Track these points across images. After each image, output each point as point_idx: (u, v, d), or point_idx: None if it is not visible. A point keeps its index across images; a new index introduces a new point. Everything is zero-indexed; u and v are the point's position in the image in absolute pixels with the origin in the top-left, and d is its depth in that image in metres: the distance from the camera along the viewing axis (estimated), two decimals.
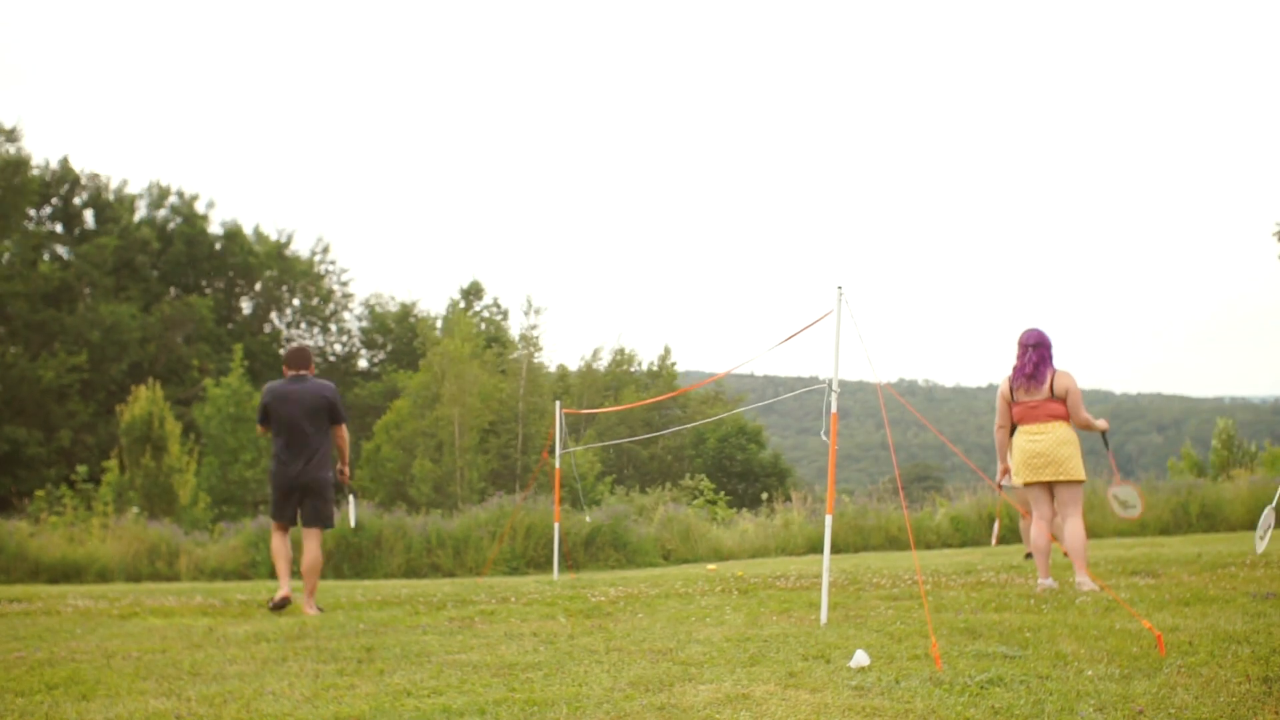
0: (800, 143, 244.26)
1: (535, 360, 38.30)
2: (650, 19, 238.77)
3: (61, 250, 40.15)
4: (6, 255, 37.15)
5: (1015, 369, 7.01)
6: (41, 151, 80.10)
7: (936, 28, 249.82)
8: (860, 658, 4.20)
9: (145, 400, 24.08)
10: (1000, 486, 7.94)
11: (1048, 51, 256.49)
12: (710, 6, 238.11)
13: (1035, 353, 6.91)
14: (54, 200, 40.69)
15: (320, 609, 7.23)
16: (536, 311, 39.56)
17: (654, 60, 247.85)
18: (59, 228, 41.10)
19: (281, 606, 7.08)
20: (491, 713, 3.56)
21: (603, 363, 43.37)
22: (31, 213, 39.57)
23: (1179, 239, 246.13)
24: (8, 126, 36.83)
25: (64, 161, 40.56)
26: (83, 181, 41.06)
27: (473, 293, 48.22)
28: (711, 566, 12.25)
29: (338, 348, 47.99)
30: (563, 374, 41.51)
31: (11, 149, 36.65)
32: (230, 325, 44.41)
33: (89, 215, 41.53)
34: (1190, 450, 25.61)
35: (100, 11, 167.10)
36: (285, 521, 7.37)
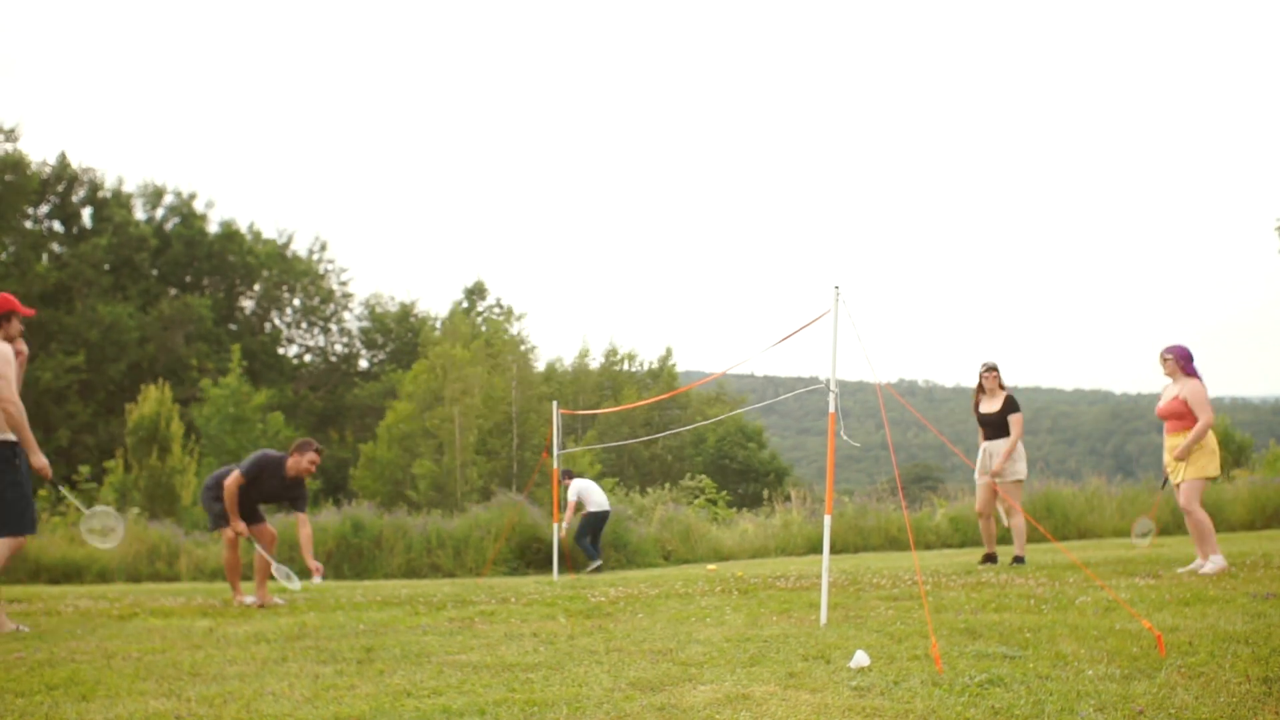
0: (800, 143, 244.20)
1: (528, 361, 38.35)
2: (650, 19, 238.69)
3: (58, 249, 40.10)
4: (4, 254, 37.12)
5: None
6: (39, 150, 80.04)
7: (936, 27, 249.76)
8: (860, 658, 4.20)
9: (154, 400, 24.08)
10: None
11: (1049, 51, 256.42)
12: (710, 7, 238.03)
13: None
14: (51, 198, 40.61)
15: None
16: (519, 318, 39.72)
17: (655, 61, 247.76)
18: (57, 225, 41.03)
19: None
20: (491, 713, 3.56)
21: (595, 361, 43.38)
22: (30, 211, 39.52)
23: (1179, 239, 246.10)
24: (7, 126, 36.81)
25: (61, 158, 40.47)
26: (80, 178, 40.96)
27: (476, 292, 48.23)
28: (711, 567, 12.25)
29: (338, 348, 47.98)
30: (558, 373, 41.49)
31: (10, 148, 36.62)
32: (231, 325, 44.38)
33: (86, 214, 41.46)
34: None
35: (99, 11, 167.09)
36: None
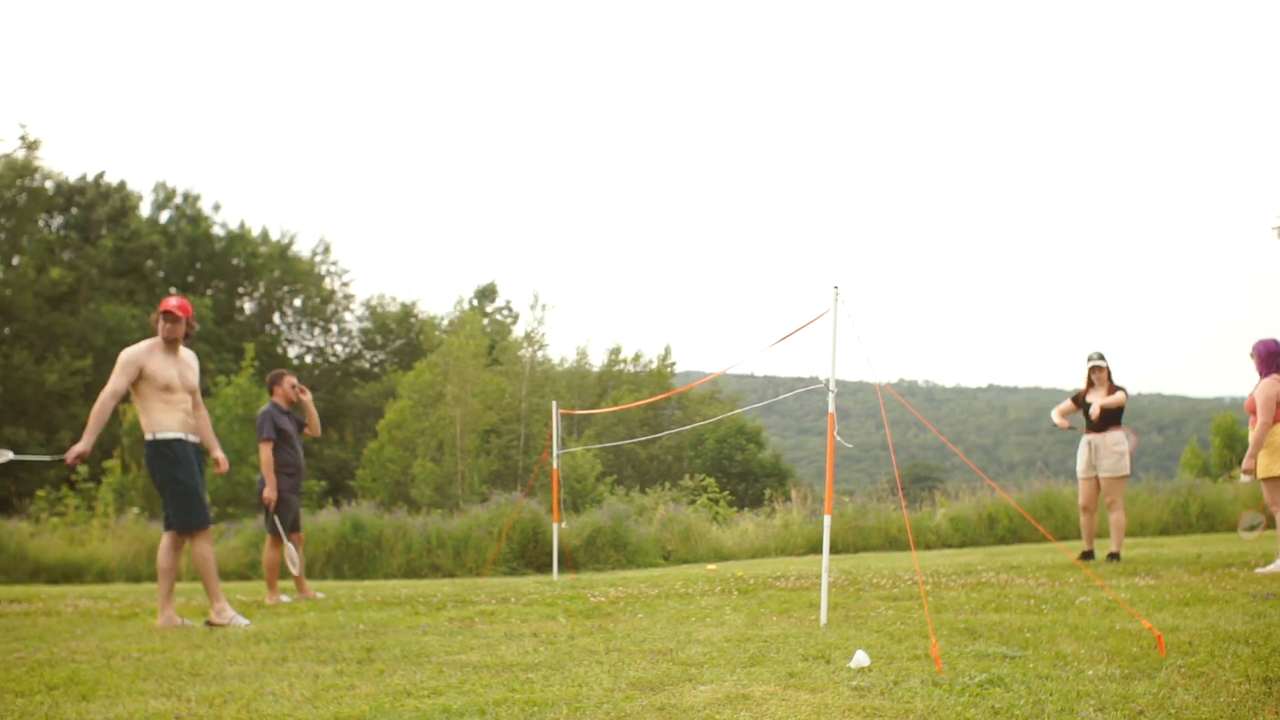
0: (800, 144, 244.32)
1: (539, 359, 38.21)
2: (651, 19, 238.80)
3: (68, 255, 40.22)
4: (16, 260, 37.25)
5: None
6: (45, 154, 79.99)
7: (934, 27, 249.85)
8: (860, 658, 4.20)
9: None
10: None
11: (1047, 50, 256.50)
12: (710, 7, 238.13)
13: None
14: (73, 209, 40.82)
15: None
16: (544, 307, 39.36)
17: (655, 62, 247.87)
18: (74, 234, 41.22)
19: None
20: (491, 713, 3.56)
21: (595, 361, 43.25)
22: (47, 219, 39.75)
23: (1178, 238, 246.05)
24: (31, 138, 37.01)
25: (99, 176, 40.88)
26: (109, 194, 41.28)
27: (486, 294, 48.15)
28: (711, 567, 12.25)
29: (339, 349, 47.98)
30: (560, 373, 41.43)
31: (21, 155, 36.75)
32: (231, 326, 44.40)
33: (104, 222, 41.73)
34: (1198, 449, 25.55)
35: (104, 12, 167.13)
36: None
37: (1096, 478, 8.99)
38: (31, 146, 36.55)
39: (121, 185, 41.34)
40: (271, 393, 8.76)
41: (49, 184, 37.50)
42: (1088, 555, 9.10)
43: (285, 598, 8.52)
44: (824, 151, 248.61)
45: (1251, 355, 7.79)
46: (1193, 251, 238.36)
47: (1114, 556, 8.80)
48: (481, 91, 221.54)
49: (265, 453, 8.31)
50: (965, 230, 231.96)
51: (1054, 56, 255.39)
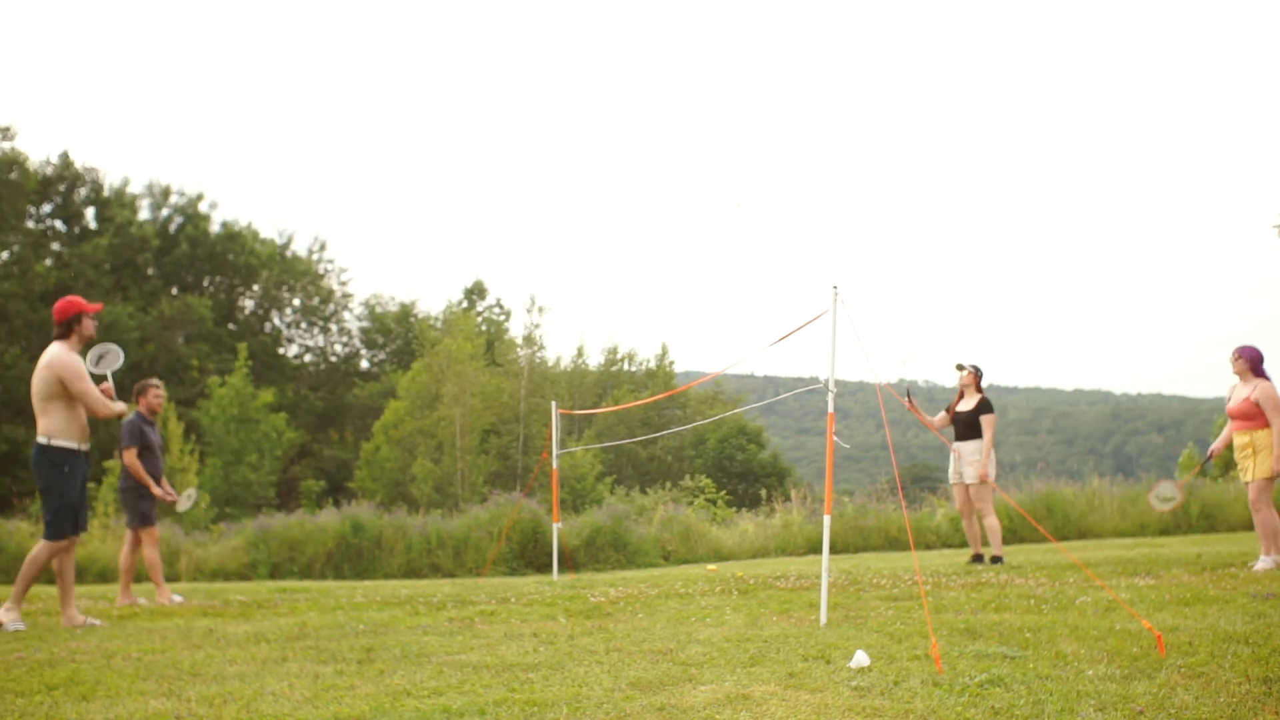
0: (799, 143, 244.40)
1: (537, 360, 38.18)
2: (650, 19, 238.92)
3: (60, 249, 40.10)
4: (5, 254, 37.14)
5: None
6: (43, 150, 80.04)
7: (933, 27, 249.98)
8: (860, 658, 4.20)
9: None
10: None
11: (1048, 50, 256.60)
12: (709, 7, 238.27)
13: None
14: (54, 198, 40.60)
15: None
16: (540, 310, 39.39)
17: (653, 61, 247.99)
18: (59, 225, 41.02)
19: None
20: (491, 713, 3.56)
21: (593, 361, 43.19)
22: (31, 210, 39.52)
23: (1179, 238, 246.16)
24: (2, 125, 36.78)
25: (64, 156, 40.48)
26: (82, 178, 40.95)
27: (476, 292, 48.18)
28: (711, 567, 12.25)
29: (338, 348, 47.99)
30: (558, 373, 41.43)
31: (6, 147, 36.62)
32: (231, 325, 44.38)
33: (89, 213, 41.47)
34: (1195, 450, 25.54)
35: (101, 10, 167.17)
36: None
37: (964, 485, 9.56)
38: (5, 135, 36.44)
39: (90, 168, 41.14)
40: (137, 402, 8.93)
41: (23, 169, 37.20)
42: (977, 558, 9.54)
43: (179, 598, 8.93)
44: (823, 151, 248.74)
45: (1238, 361, 7.96)
46: (1193, 251, 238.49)
47: (996, 559, 9.23)
48: (480, 88, 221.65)
49: (130, 458, 8.65)
50: (965, 230, 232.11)
51: (1055, 56, 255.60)
